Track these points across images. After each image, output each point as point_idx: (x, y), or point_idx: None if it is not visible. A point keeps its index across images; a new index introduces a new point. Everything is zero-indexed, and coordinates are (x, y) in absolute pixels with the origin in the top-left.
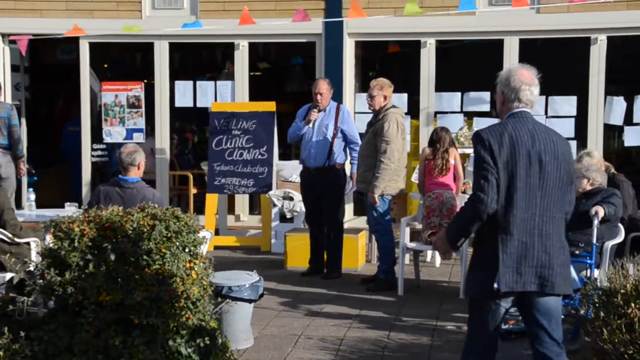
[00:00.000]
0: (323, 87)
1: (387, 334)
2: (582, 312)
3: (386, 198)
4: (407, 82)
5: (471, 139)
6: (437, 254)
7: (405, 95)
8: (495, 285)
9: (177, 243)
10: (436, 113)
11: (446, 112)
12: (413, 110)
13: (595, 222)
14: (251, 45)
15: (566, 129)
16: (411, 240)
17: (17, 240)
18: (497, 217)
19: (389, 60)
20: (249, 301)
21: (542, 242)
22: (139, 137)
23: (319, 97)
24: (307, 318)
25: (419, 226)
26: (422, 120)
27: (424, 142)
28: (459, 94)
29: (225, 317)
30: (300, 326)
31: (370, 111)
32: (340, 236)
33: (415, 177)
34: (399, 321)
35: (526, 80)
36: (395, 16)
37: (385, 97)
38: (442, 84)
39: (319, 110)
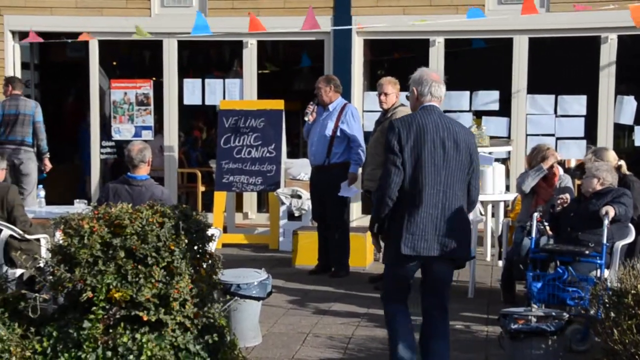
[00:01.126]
0: (320, 82)
1: None
2: (592, 312)
3: None
4: None
5: (387, 127)
6: None
7: None
8: (403, 249)
9: (186, 240)
10: (445, 112)
11: (455, 111)
12: None
13: (606, 222)
14: (260, 43)
15: (576, 128)
16: None
17: (27, 236)
18: (406, 193)
19: (398, 59)
20: (257, 299)
21: (444, 215)
22: (148, 135)
23: (318, 91)
24: (315, 316)
25: None
26: None
27: None
28: (468, 92)
29: (233, 314)
30: (308, 324)
31: (379, 109)
32: (344, 235)
33: None
34: None
35: (436, 79)
36: (404, 15)
37: (396, 95)
38: (451, 83)
39: (318, 105)
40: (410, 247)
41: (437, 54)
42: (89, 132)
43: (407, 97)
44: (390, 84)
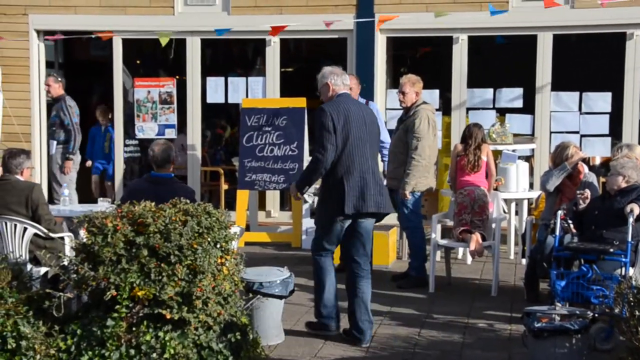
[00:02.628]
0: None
1: (418, 331)
2: (616, 310)
3: (417, 195)
4: (439, 78)
5: (316, 112)
6: (467, 251)
7: (437, 92)
8: (347, 210)
9: (209, 239)
10: (468, 109)
11: (478, 109)
12: (445, 106)
13: (631, 219)
14: (282, 41)
15: (600, 125)
16: (442, 237)
17: (51, 235)
18: (342, 164)
19: (421, 56)
20: (280, 297)
21: (374, 178)
22: (171, 133)
23: None
24: None
25: (450, 223)
26: (454, 116)
27: (455, 138)
28: (492, 90)
29: (256, 313)
30: None
31: (400, 107)
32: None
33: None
34: (430, 318)
35: (341, 72)
36: (427, 12)
37: (416, 94)
38: (475, 80)
39: None
40: (352, 207)
41: (460, 51)
42: (100, 129)
43: (317, 93)
44: (408, 83)
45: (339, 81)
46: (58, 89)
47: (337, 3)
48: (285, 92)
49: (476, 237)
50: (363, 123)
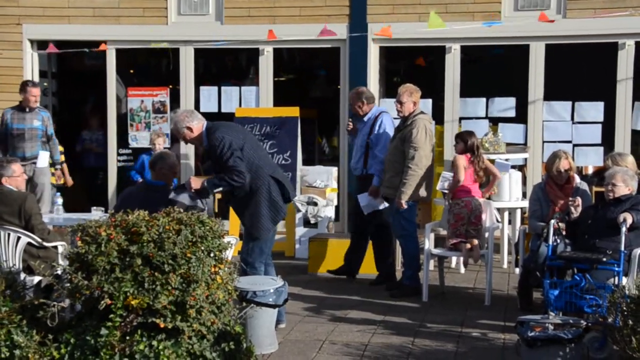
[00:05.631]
0: (351, 98)
1: (412, 340)
2: (609, 320)
3: (412, 204)
4: (432, 87)
5: (217, 138)
6: (461, 260)
7: (429, 101)
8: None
9: (202, 248)
10: (461, 119)
11: (471, 118)
12: (437, 115)
13: (624, 229)
14: (276, 50)
15: (593, 135)
16: (435, 246)
17: (45, 244)
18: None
19: (414, 66)
20: (274, 306)
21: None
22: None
23: (351, 106)
24: (331, 323)
25: (443, 232)
26: (447, 126)
27: (448, 148)
28: (484, 99)
29: (249, 322)
30: (324, 331)
31: (395, 116)
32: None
33: (440, 186)
34: (424, 327)
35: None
36: (420, 22)
37: (414, 103)
38: (467, 89)
39: (354, 117)
40: (284, 213)
41: (453, 61)
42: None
43: (187, 130)
44: (406, 93)
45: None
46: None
47: (330, 13)
48: (278, 101)
49: (472, 243)
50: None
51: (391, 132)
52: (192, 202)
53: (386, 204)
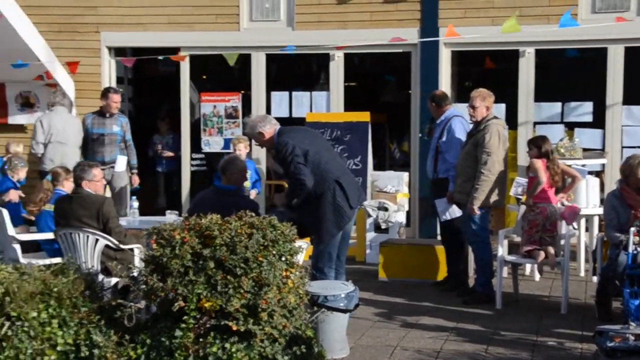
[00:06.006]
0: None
1: (485, 348)
2: None
3: (485, 210)
4: (505, 92)
5: (281, 143)
6: (536, 267)
7: (503, 106)
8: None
9: (274, 252)
10: (535, 123)
11: (545, 123)
12: (511, 120)
13: None
14: (346, 56)
15: None
16: (509, 252)
17: (121, 246)
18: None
19: (486, 70)
20: (344, 311)
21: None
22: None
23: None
24: (402, 329)
25: (517, 239)
26: (520, 131)
27: (522, 153)
28: (560, 104)
29: (320, 326)
30: (395, 337)
31: (470, 121)
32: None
33: (514, 192)
34: (497, 335)
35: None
36: (493, 25)
37: (487, 108)
38: (542, 94)
39: (432, 121)
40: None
41: (527, 65)
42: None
43: (259, 135)
44: (479, 97)
45: (271, 123)
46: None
47: (401, 17)
48: (349, 106)
49: (547, 250)
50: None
51: (461, 137)
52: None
53: (458, 212)
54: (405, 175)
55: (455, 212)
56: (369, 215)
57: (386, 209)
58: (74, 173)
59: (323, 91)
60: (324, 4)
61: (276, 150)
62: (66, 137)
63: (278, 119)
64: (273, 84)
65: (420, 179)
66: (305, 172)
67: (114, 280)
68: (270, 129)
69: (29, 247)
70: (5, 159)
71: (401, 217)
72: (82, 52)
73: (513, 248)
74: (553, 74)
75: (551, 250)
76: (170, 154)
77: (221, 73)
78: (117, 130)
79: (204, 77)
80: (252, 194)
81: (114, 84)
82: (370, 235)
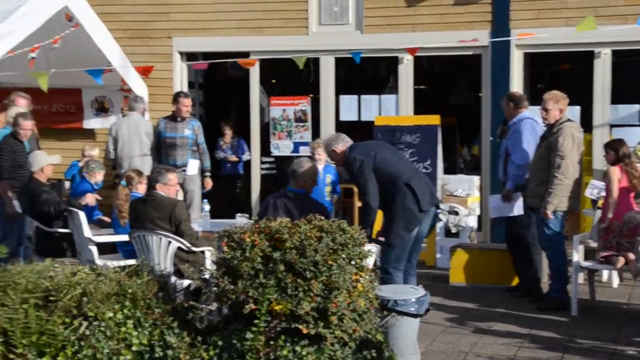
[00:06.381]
0: (503, 101)
1: (561, 356)
2: None
3: (559, 214)
4: (579, 94)
5: (349, 159)
6: (614, 274)
7: (577, 108)
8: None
9: (343, 255)
10: (612, 126)
11: (622, 125)
12: (586, 123)
13: None
14: (416, 58)
15: None
16: (585, 258)
17: (193, 249)
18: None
19: (560, 72)
20: (415, 316)
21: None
22: (306, 151)
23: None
24: (474, 335)
25: (593, 244)
26: (596, 133)
27: (598, 156)
28: (638, 106)
29: (391, 330)
30: (467, 343)
31: (543, 124)
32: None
33: (589, 193)
34: (573, 343)
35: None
36: (567, 26)
37: (560, 111)
38: (619, 96)
39: (504, 123)
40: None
41: (603, 66)
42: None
43: (332, 152)
44: (552, 100)
45: (346, 138)
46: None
47: (471, 19)
48: (418, 109)
49: (627, 256)
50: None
51: (529, 139)
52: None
53: (516, 212)
54: (476, 178)
55: (506, 210)
56: (439, 220)
57: (457, 213)
58: (150, 175)
59: (392, 94)
60: (393, 7)
61: (346, 165)
62: (133, 142)
63: (346, 123)
64: (342, 88)
65: (492, 182)
66: (371, 191)
67: (186, 282)
68: (342, 146)
69: (106, 249)
70: (82, 162)
71: (472, 222)
72: (154, 58)
73: (589, 254)
74: (630, 75)
75: (631, 256)
76: (234, 158)
77: (290, 77)
78: (189, 134)
79: (273, 81)
80: (335, 199)
81: (185, 89)
82: (441, 239)
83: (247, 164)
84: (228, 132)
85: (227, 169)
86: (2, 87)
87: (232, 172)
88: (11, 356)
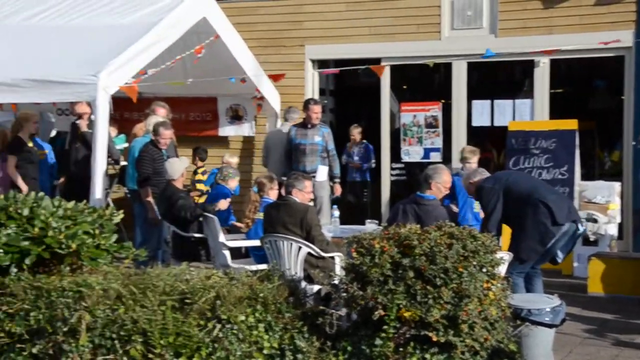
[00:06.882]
0: None
1: None
2: None
3: None
4: None
5: (479, 189)
6: None
7: None
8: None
9: (474, 263)
10: None
11: None
12: None
13: None
14: (552, 61)
15: None
16: None
17: (323, 254)
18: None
19: None
20: (550, 326)
21: None
22: (436, 157)
23: None
24: (615, 348)
25: None
26: None
27: None
28: None
29: (524, 340)
30: (607, 356)
31: None
32: None
33: None
34: None
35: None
36: None
37: None
38: None
39: None
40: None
41: None
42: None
43: (469, 185)
44: None
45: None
46: None
47: (614, 20)
48: (554, 114)
49: None
50: None
51: None
52: None
53: None
54: (617, 185)
55: None
56: (579, 235)
57: (595, 221)
58: (287, 180)
59: (527, 98)
60: (529, 10)
61: (477, 195)
62: (271, 149)
63: (478, 128)
64: (474, 92)
65: (635, 189)
66: (492, 217)
67: (316, 287)
68: (478, 178)
69: (238, 254)
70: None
71: (612, 230)
72: (287, 66)
73: None
74: None
75: None
76: (358, 164)
77: (421, 82)
78: (319, 140)
79: (404, 86)
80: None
81: (316, 96)
82: (578, 247)
83: (374, 171)
84: (355, 138)
85: (352, 175)
86: (144, 97)
87: (357, 178)
88: (150, 356)
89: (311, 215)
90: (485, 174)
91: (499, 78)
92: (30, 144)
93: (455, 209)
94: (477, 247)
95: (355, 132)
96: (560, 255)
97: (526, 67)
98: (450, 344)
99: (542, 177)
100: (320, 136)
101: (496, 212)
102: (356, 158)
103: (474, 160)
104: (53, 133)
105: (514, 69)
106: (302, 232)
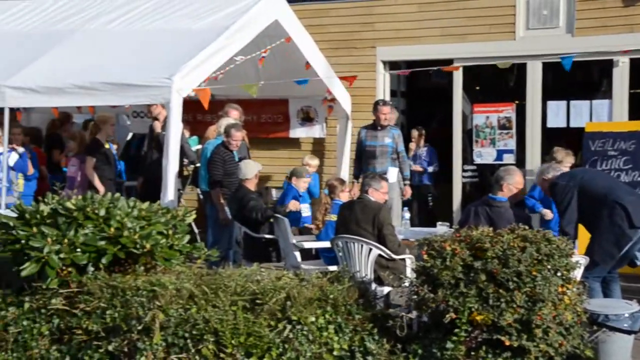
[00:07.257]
0: None
1: None
2: None
3: None
4: None
5: (552, 186)
6: None
7: None
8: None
9: (549, 266)
10: None
11: None
12: None
13: None
14: (632, 61)
15: None
16: None
17: (394, 256)
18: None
19: None
20: (629, 332)
21: None
22: (510, 159)
23: None
24: None
25: None
26: None
27: None
28: None
29: (601, 347)
30: None
31: None
32: None
33: None
34: None
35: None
36: None
37: None
38: None
39: None
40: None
41: None
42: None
43: (542, 181)
44: None
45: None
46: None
47: None
48: (634, 115)
49: None
50: None
51: None
52: None
53: None
54: None
55: None
56: None
57: None
58: (363, 179)
59: (604, 99)
60: (608, 8)
61: (551, 192)
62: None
63: (554, 130)
64: (549, 93)
65: None
66: (566, 217)
67: (386, 289)
68: (552, 175)
69: (309, 255)
70: None
71: None
72: (358, 67)
73: None
74: None
75: None
76: (419, 168)
77: (494, 83)
78: (389, 142)
79: (477, 87)
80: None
81: (387, 97)
82: None
83: (441, 174)
84: (416, 140)
85: (414, 179)
86: (216, 99)
87: (423, 181)
88: (222, 355)
89: (384, 213)
90: (559, 170)
91: (575, 78)
92: (107, 146)
93: (549, 214)
94: (552, 250)
95: (416, 135)
96: (639, 257)
97: (604, 67)
98: (523, 349)
99: (620, 179)
100: (390, 138)
101: (570, 210)
102: (419, 161)
103: (569, 161)
104: (129, 136)
105: (591, 69)
106: (374, 229)
